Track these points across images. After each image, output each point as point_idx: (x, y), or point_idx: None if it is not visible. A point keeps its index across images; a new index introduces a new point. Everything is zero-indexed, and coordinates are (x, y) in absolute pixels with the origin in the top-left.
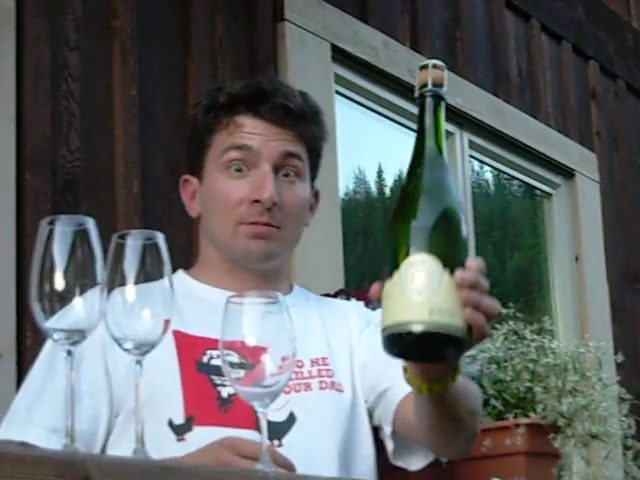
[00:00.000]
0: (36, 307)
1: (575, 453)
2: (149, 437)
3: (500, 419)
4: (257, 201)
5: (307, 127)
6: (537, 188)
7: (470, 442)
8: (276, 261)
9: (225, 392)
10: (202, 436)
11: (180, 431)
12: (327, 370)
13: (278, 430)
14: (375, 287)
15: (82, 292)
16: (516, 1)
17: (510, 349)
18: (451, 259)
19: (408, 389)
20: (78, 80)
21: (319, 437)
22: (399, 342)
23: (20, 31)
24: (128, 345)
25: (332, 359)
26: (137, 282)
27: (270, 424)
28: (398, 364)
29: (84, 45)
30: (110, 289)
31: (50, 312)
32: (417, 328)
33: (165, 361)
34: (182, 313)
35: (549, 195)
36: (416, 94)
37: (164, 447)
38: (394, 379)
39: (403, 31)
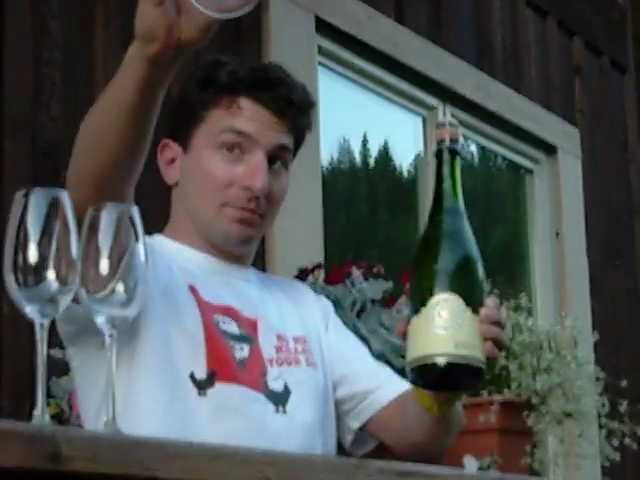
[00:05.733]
0: (9, 278)
1: (549, 431)
2: (169, 390)
3: (474, 396)
4: (248, 188)
5: (302, 120)
6: (519, 164)
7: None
8: (251, 247)
9: (238, 356)
10: (223, 393)
11: (202, 385)
12: (307, 348)
13: (280, 398)
14: (400, 325)
15: (56, 264)
16: None
17: None
18: (471, 297)
19: (393, 395)
20: (60, 48)
21: (308, 410)
22: (426, 374)
23: None
24: (101, 319)
25: (309, 339)
26: (111, 255)
27: (273, 392)
28: (383, 371)
29: (67, 12)
30: (84, 262)
31: (24, 284)
32: (444, 360)
33: (189, 314)
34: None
35: (531, 171)
36: (434, 149)
37: (185, 400)
38: (380, 383)
39: (388, 3)
